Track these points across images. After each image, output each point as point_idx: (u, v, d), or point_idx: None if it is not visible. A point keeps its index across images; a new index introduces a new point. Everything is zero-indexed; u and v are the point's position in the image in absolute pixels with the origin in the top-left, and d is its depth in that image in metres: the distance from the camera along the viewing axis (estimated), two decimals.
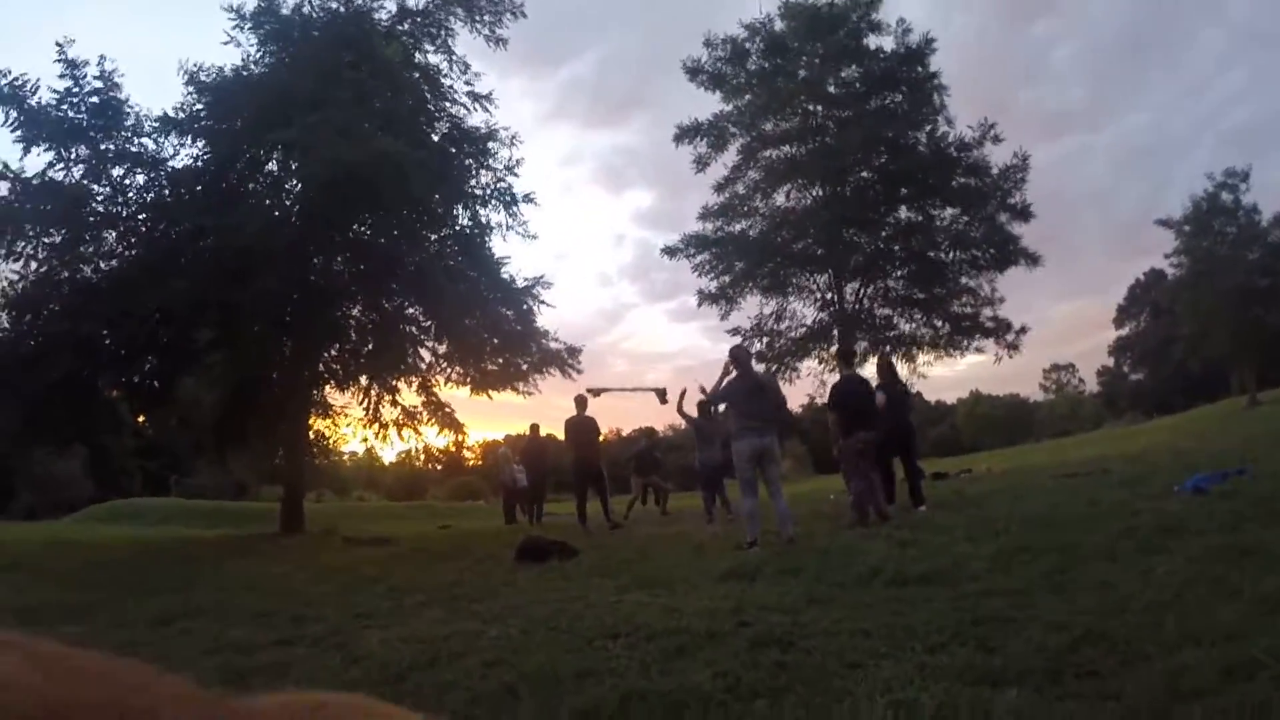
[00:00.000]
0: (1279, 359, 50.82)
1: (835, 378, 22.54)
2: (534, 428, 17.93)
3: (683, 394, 13.58)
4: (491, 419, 78.32)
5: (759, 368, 22.25)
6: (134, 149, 15.69)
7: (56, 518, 32.83)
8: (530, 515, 17.64)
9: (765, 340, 23.33)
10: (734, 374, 9.31)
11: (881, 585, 5.63)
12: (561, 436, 15.03)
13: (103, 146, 15.37)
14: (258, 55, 16.50)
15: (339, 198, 14.25)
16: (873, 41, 22.46)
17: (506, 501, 19.26)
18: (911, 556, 6.68)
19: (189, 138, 16.07)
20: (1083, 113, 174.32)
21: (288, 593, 7.98)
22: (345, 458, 19.71)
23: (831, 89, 22.58)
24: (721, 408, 10.31)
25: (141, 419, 19.61)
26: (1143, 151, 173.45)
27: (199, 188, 15.77)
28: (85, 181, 15.43)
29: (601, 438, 14.82)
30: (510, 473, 18.56)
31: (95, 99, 15.17)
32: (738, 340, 23.43)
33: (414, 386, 17.61)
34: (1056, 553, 6.11)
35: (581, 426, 14.36)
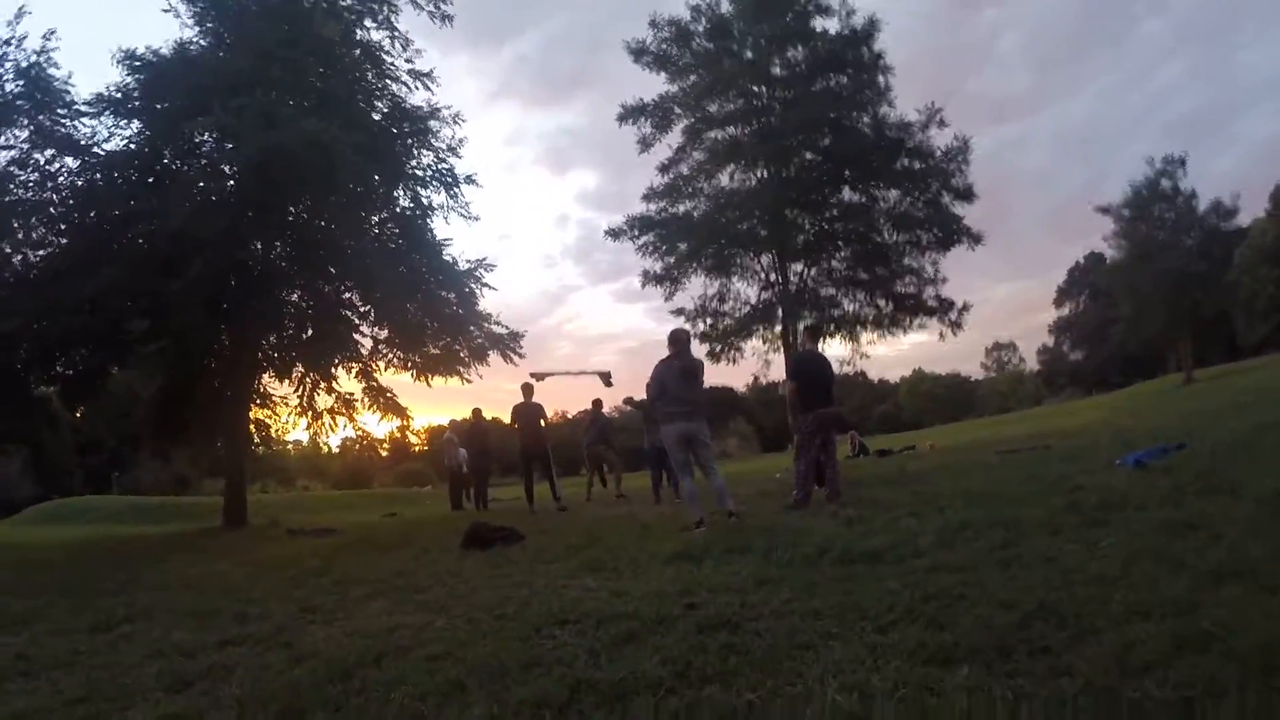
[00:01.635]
0: (1213, 339, 52.60)
1: (777, 358, 22.95)
2: (476, 412, 17.81)
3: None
4: (435, 404, 77.72)
5: (701, 349, 22.43)
6: (64, 131, 15.25)
7: None
8: (476, 501, 17.51)
9: (709, 320, 23.40)
10: (668, 355, 9.23)
11: (829, 564, 5.61)
12: (507, 421, 15.01)
13: (30, 128, 14.94)
14: (195, 33, 16.18)
15: (270, 181, 14.01)
16: (819, 24, 22.53)
17: (453, 487, 19.11)
18: (858, 534, 6.69)
19: (123, 119, 15.66)
20: (1026, 99, 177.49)
21: (230, 590, 7.80)
22: (290, 447, 19.37)
23: (776, 70, 22.58)
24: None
25: (80, 414, 19.22)
26: (1084, 138, 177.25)
27: (132, 173, 15.36)
28: (11, 168, 15.01)
29: (546, 422, 14.76)
30: (455, 458, 18.40)
31: (24, 74, 14.73)
32: (681, 321, 23.50)
33: (353, 373, 17.38)
34: (1001, 528, 6.13)
35: (528, 411, 14.32)
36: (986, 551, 5.43)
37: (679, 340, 9.27)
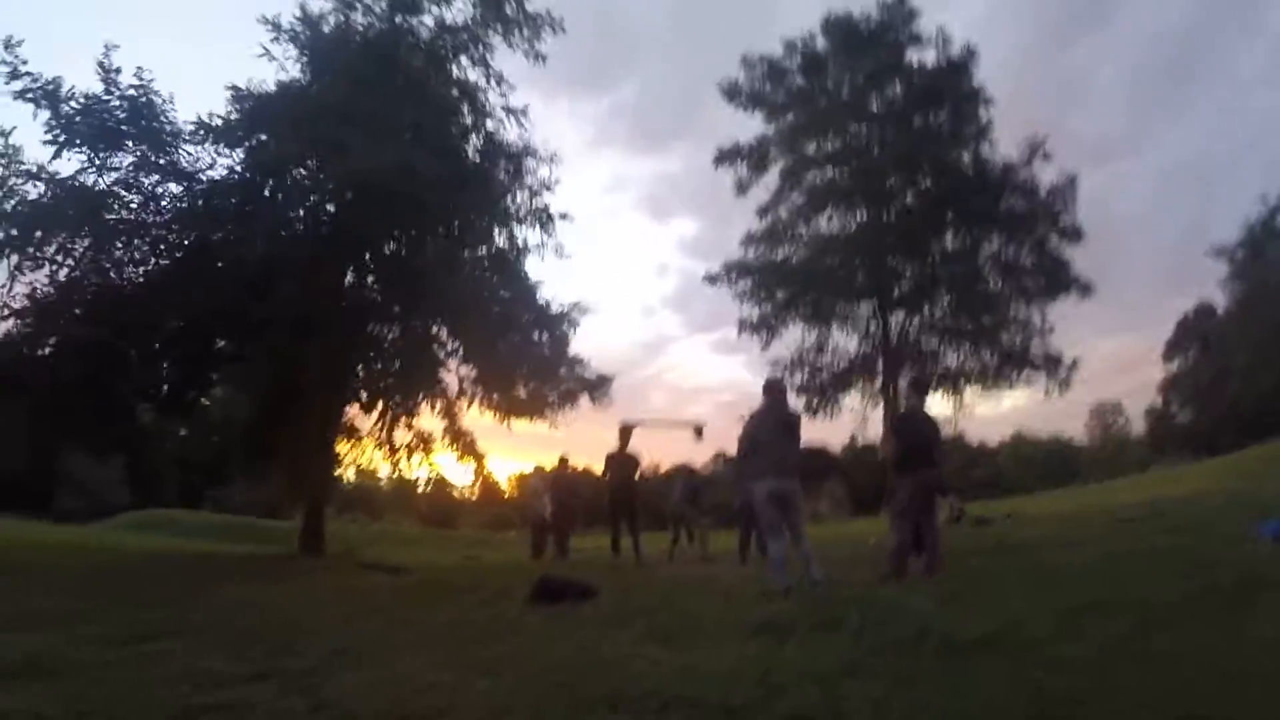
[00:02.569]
0: None
1: (876, 414, 22.05)
2: (562, 460, 17.38)
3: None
4: (521, 449, 77.85)
5: (798, 403, 21.65)
6: (167, 158, 15.51)
7: (84, 523, 33.15)
8: (558, 550, 17.02)
9: (806, 372, 22.67)
10: (761, 406, 8.65)
11: (931, 652, 4.89)
12: (598, 469, 14.78)
13: (137, 154, 15.20)
14: (295, 69, 16.37)
15: (357, 209, 14.00)
16: (915, 58, 21.85)
17: (535, 535, 18.65)
18: (960, 615, 5.94)
19: (225, 147, 15.84)
20: (1123, 138, 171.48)
21: (280, 619, 7.44)
22: (381, 480, 19.58)
23: (874, 107, 21.94)
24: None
25: (182, 430, 19.57)
26: (1185, 176, 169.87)
27: (231, 199, 15.54)
28: (116, 188, 15.27)
29: (640, 474, 14.31)
30: (539, 505, 17.96)
31: (130, 102, 15.00)
32: (779, 372, 22.82)
33: (436, 410, 17.15)
34: (1129, 612, 5.38)
35: (623, 461, 13.97)
36: (1114, 641, 4.70)
37: (774, 389, 8.70)
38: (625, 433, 14.08)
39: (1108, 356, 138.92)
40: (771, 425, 8.48)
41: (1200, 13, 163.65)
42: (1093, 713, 3.45)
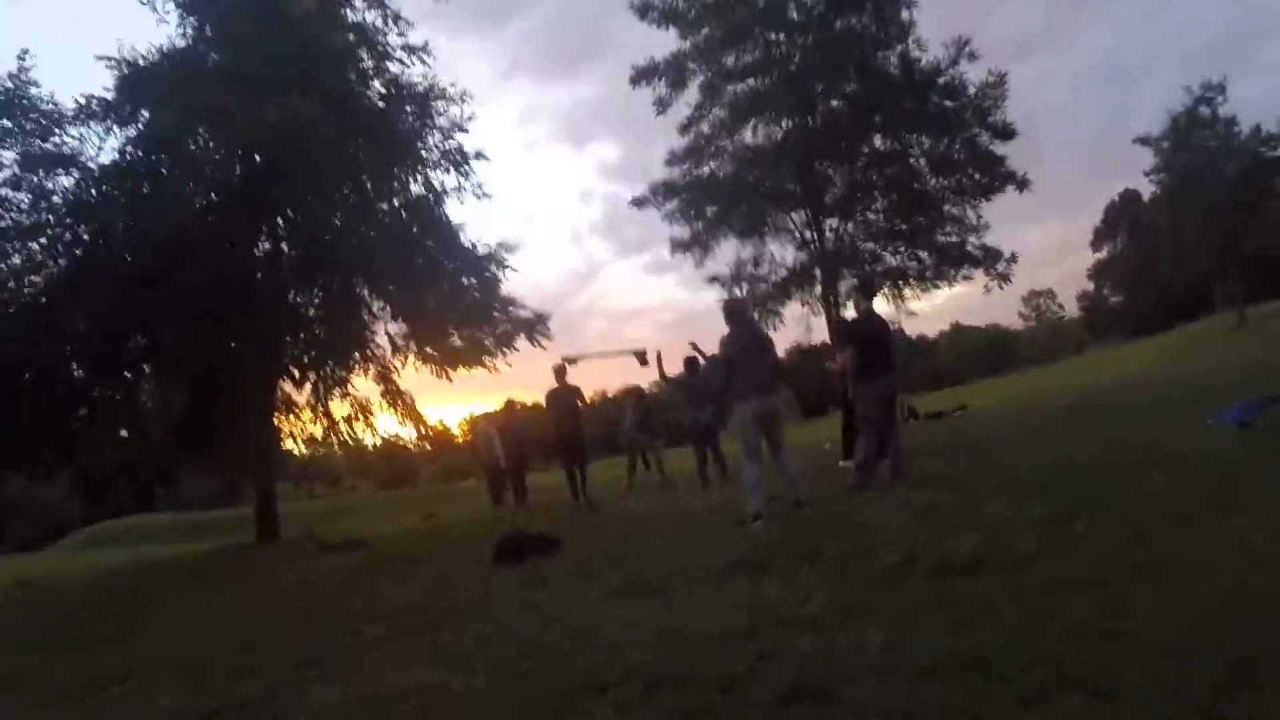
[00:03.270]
0: (1263, 274, 50.45)
1: (819, 321, 21.86)
2: (509, 403, 16.98)
3: (659, 355, 13.39)
4: (467, 393, 77.39)
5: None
6: (55, 148, 14.66)
7: (42, 548, 32.46)
8: (516, 494, 16.73)
9: (745, 286, 22.30)
10: (731, 330, 8.36)
11: (923, 577, 4.60)
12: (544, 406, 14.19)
13: (21, 149, 14.37)
14: (175, 31, 15.42)
15: (262, 173, 13.32)
16: None
17: (491, 482, 18.31)
18: (943, 530, 5.67)
19: (109, 126, 15.01)
20: (1046, 34, 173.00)
21: (237, 631, 7.01)
22: (336, 448, 18.97)
23: (793, 15, 21.31)
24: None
25: (122, 433, 18.88)
26: (1107, 71, 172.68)
27: (125, 182, 14.71)
28: (4, 189, 14.58)
29: (585, 404, 13.99)
30: (493, 451, 17.59)
31: (5, 92, 14.22)
32: (716, 288, 22.55)
33: (370, 375, 16.62)
34: (1114, 516, 5.16)
35: (562, 398, 13.51)
36: (1110, 555, 4.42)
37: (739, 311, 8.53)
38: (560, 369, 13.67)
39: (1037, 245, 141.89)
40: (745, 346, 8.23)
41: None
42: (1115, 649, 3.14)
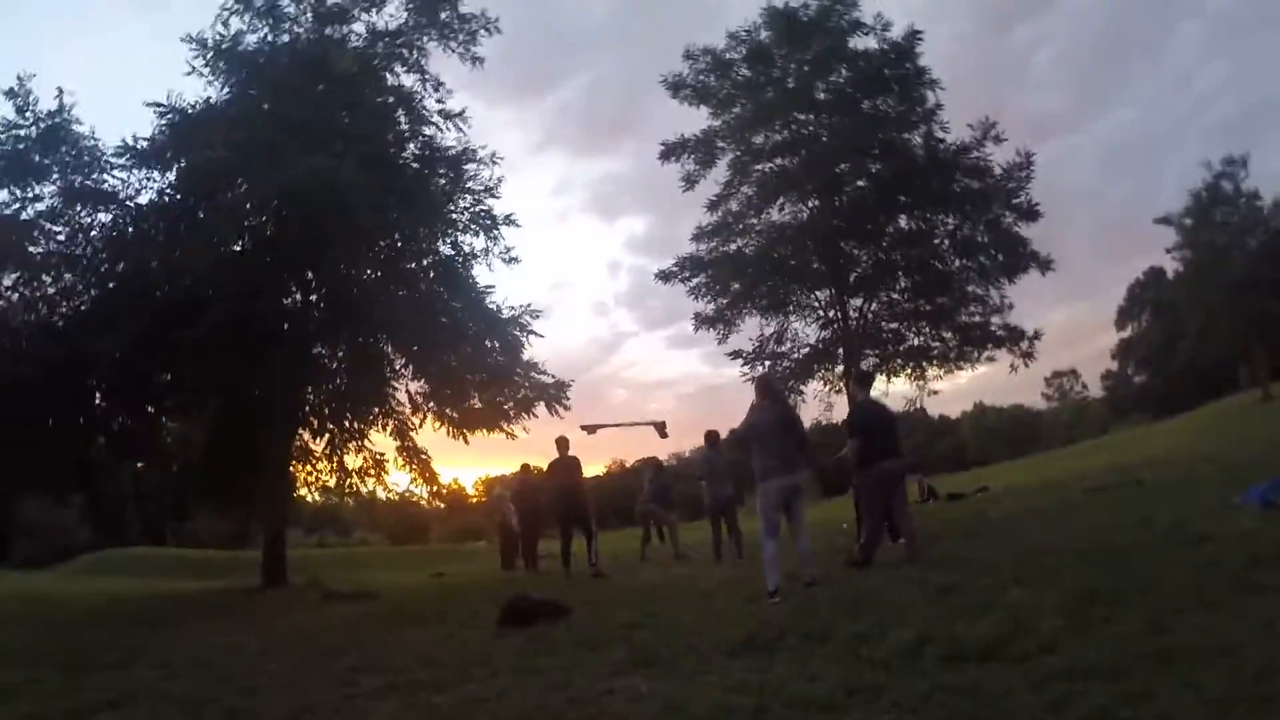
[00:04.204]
0: None
1: (840, 399, 21.76)
2: (524, 467, 16.96)
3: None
4: (485, 455, 77.32)
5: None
6: (94, 185, 14.96)
7: (48, 567, 32.30)
8: (527, 560, 16.62)
9: (768, 363, 22.23)
10: (759, 404, 8.41)
11: (934, 662, 4.51)
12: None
13: (59, 183, 14.67)
14: (221, 86, 15.74)
15: (298, 223, 13.63)
16: (859, 44, 21.52)
17: (504, 546, 18.21)
18: (959, 612, 5.59)
19: (154, 170, 15.33)
20: (1065, 115, 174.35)
21: (235, 672, 6.90)
22: (349, 500, 18.85)
23: (821, 95, 21.59)
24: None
25: (139, 464, 18.96)
26: (1127, 150, 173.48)
27: (162, 224, 14.96)
28: (42, 220, 14.78)
29: (581, 477, 14.00)
30: (508, 514, 17.53)
31: (46, 129, 14.52)
32: (738, 364, 22.46)
33: (388, 430, 16.61)
34: (1136, 599, 5.06)
35: (564, 467, 13.53)
36: (1133, 639, 4.33)
37: (769, 387, 8.61)
38: (563, 440, 13.68)
39: (1061, 325, 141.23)
40: (772, 421, 8.25)
41: None
42: None
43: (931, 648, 4.77)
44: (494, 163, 16.47)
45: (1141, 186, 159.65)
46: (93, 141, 15.04)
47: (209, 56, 15.53)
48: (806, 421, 18.94)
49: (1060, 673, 3.98)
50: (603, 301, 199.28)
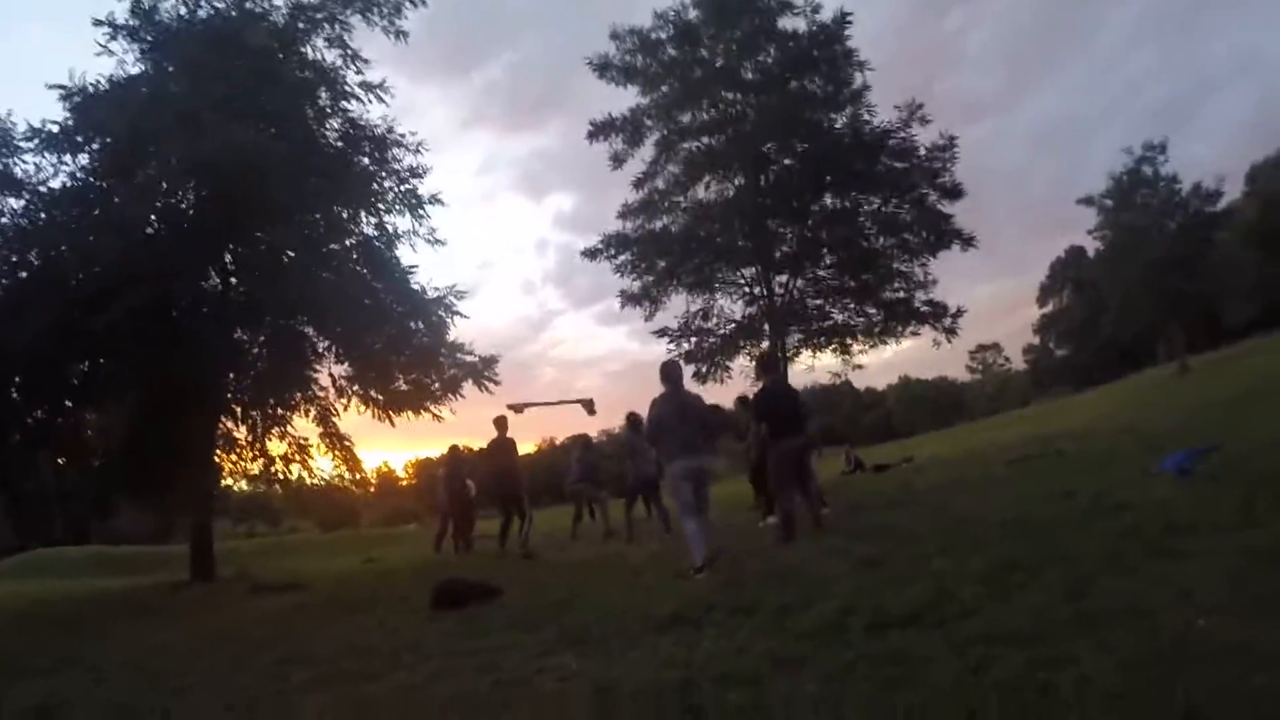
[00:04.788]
0: (1203, 325, 52.19)
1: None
2: (453, 449, 16.83)
3: None
4: (418, 437, 76.71)
5: (687, 370, 21.48)
6: (3, 171, 14.41)
7: None
8: (458, 542, 16.52)
9: (693, 340, 22.33)
10: (662, 391, 8.54)
11: (858, 632, 4.60)
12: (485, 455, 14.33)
13: None
14: (134, 62, 15.18)
15: (216, 203, 13.37)
16: (789, 24, 21.61)
17: (440, 525, 18.10)
18: (884, 582, 5.71)
19: (64, 154, 14.71)
20: (997, 98, 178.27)
21: (165, 672, 6.77)
22: (275, 487, 18.40)
23: (748, 75, 21.65)
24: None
25: (60, 460, 18.33)
26: (1055, 133, 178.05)
27: (74, 209, 14.44)
28: None
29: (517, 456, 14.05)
30: (443, 496, 17.42)
31: None
32: (664, 341, 22.50)
33: (311, 416, 16.31)
34: (1056, 567, 5.20)
35: (500, 448, 13.58)
36: (1052, 605, 4.44)
37: (668, 375, 8.64)
38: (501, 421, 13.72)
39: (986, 301, 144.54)
40: (671, 410, 8.39)
41: None
42: (1050, 703, 3.17)
43: (856, 618, 4.85)
44: (420, 151, 16.26)
45: (1067, 167, 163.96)
46: (2, 127, 14.50)
47: (121, 35, 14.97)
48: (733, 396, 19.14)
49: (980, 637, 4.07)
50: (531, 280, 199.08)
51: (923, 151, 21.35)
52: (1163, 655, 3.42)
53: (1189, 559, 4.84)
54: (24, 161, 14.60)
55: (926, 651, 4.05)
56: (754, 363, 11.20)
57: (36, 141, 14.39)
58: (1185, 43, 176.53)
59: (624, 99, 22.61)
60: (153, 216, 14.40)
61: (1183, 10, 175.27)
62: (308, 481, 17.42)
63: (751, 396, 11.39)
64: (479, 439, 18.43)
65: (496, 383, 16.20)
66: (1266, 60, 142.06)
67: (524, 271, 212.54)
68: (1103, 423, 18.99)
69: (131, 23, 14.97)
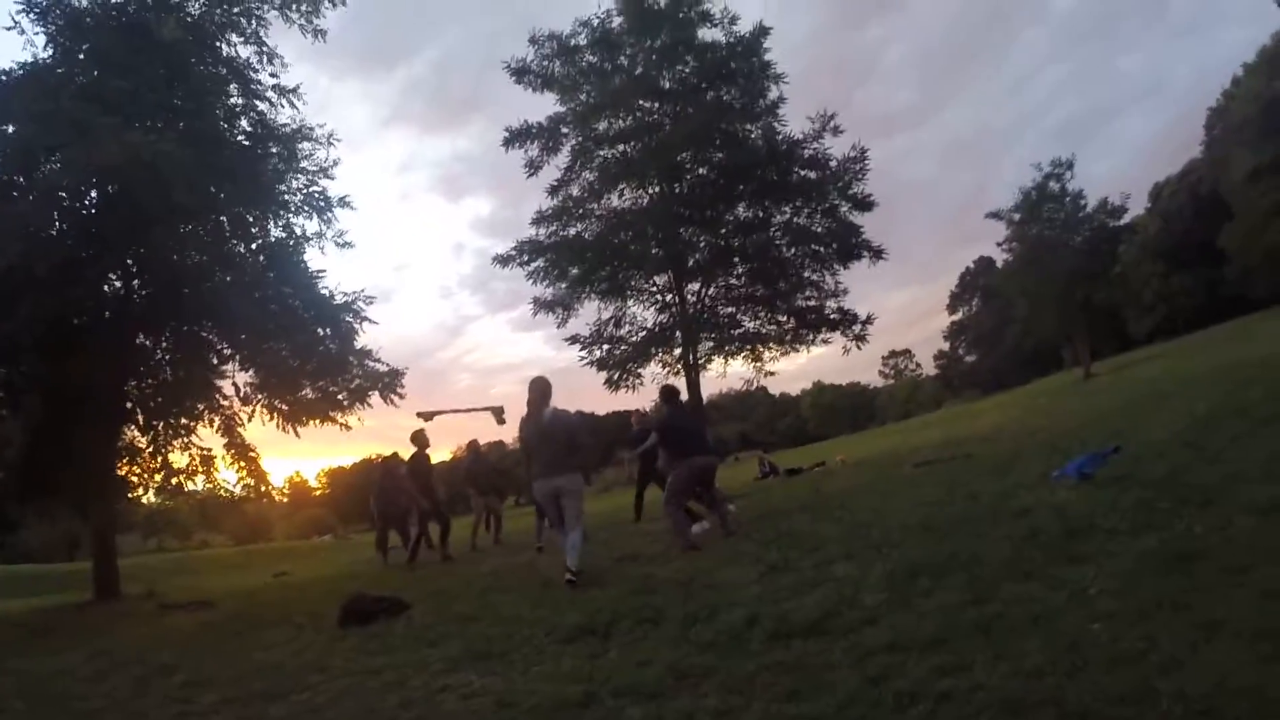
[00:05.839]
0: (1105, 334, 54.51)
1: (679, 381, 22.01)
2: (383, 461, 16.66)
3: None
4: (332, 444, 75.72)
5: (599, 377, 21.66)
6: None
7: None
8: (383, 552, 16.43)
9: (605, 347, 22.38)
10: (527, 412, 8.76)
11: (761, 641, 4.67)
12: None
13: None
14: (44, 48, 14.49)
15: (118, 203, 13.04)
16: (708, 35, 21.86)
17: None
18: (788, 590, 5.81)
19: None
20: (912, 111, 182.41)
21: (66, 697, 6.58)
22: (180, 501, 17.77)
23: (666, 84, 21.81)
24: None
25: None
26: (967, 147, 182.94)
27: None
28: None
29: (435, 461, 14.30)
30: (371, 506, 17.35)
31: None
32: (576, 348, 22.51)
33: (215, 426, 15.88)
34: (958, 571, 5.31)
35: (419, 463, 14.29)
36: (954, 610, 4.54)
37: (531, 393, 8.77)
38: (420, 437, 14.15)
39: (899, 308, 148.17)
40: (532, 432, 8.62)
41: None
42: (946, 707, 3.27)
43: (759, 627, 4.93)
44: (331, 143, 15.97)
45: (979, 180, 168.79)
46: None
47: (32, 13, 14.31)
48: (645, 403, 19.23)
49: (882, 646, 4.15)
50: (446, 284, 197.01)
51: (835, 163, 21.76)
52: (1059, 662, 3.51)
53: (1087, 563, 4.96)
54: None
55: (828, 660, 4.14)
56: (660, 393, 11.43)
57: None
58: (1094, 63, 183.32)
59: (543, 104, 22.68)
60: (56, 214, 13.88)
61: (1093, 32, 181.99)
62: (215, 493, 16.99)
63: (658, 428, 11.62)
64: (392, 446, 18.25)
65: (402, 395, 16.02)
66: (1172, 84, 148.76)
67: (440, 276, 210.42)
68: (1009, 426, 19.47)
69: (42, 0, 14.38)
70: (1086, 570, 4.81)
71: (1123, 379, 29.47)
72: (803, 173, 21.83)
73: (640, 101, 21.97)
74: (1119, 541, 5.32)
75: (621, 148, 22.18)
